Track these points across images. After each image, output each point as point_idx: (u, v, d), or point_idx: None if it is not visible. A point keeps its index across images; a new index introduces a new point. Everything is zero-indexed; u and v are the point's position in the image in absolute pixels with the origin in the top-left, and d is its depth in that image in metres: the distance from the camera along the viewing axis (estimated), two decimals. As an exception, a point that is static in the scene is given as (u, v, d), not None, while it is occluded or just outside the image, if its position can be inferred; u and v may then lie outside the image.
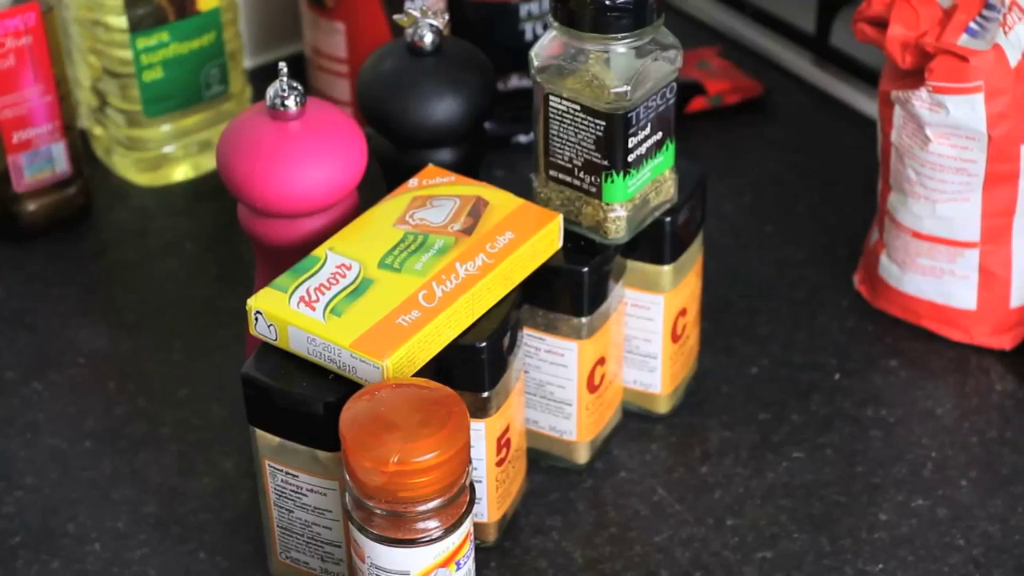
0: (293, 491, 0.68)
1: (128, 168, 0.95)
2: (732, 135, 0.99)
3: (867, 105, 0.99)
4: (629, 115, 0.68)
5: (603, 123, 0.68)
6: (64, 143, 0.89)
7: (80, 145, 0.91)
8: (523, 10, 0.95)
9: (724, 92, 1.00)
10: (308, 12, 0.97)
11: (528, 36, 0.95)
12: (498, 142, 0.95)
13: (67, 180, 0.90)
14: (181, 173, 0.95)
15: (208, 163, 0.96)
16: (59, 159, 0.90)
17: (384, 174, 0.77)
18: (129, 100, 0.91)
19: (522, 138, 0.96)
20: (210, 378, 0.82)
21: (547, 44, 0.69)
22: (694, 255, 0.77)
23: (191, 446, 0.79)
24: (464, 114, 0.75)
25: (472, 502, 0.64)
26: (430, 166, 0.73)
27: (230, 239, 0.91)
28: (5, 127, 0.87)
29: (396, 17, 0.75)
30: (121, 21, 0.89)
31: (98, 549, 0.74)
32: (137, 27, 0.89)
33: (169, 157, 0.95)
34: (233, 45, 0.93)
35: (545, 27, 0.94)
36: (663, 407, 0.80)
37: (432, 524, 0.62)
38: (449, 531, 0.63)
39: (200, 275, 0.89)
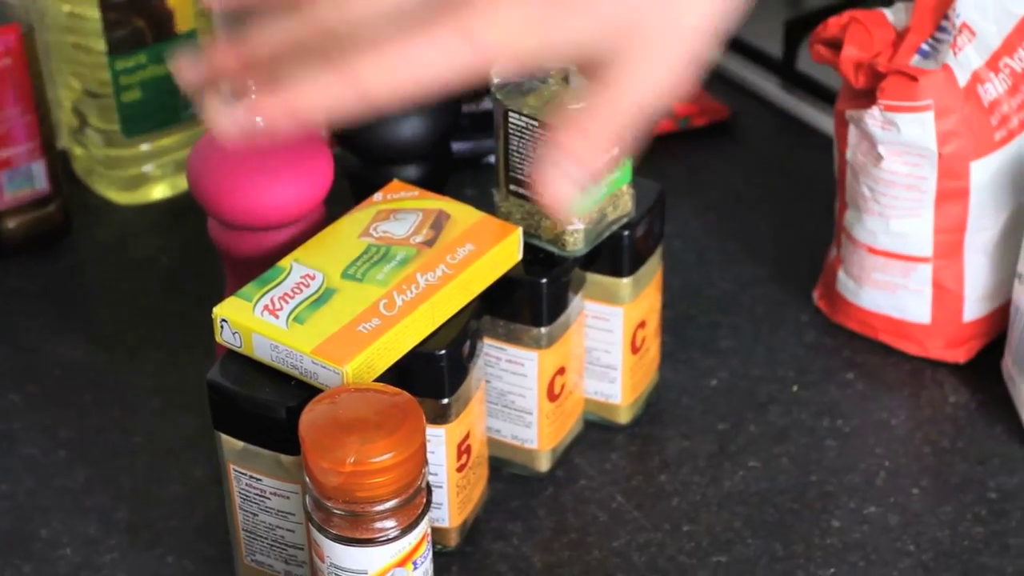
0: (257, 495, 0.70)
1: (107, 187, 0.97)
2: (698, 156, 1.02)
3: (831, 128, 1.01)
4: (584, 130, 0.70)
5: (559, 138, 0.70)
6: (43, 162, 0.91)
7: (59, 164, 0.93)
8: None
9: (692, 115, 1.02)
10: (284, 35, 0.99)
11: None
12: (470, 162, 0.97)
13: (46, 198, 0.93)
14: (159, 192, 0.98)
15: (185, 182, 0.98)
16: (38, 177, 0.92)
17: (352, 190, 0.80)
18: (108, 120, 0.94)
19: (493, 159, 0.98)
20: (182, 390, 0.84)
21: (505, 62, 0.71)
22: (653, 268, 0.79)
23: (162, 455, 0.81)
24: (428, 132, 0.77)
25: (428, 503, 0.66)
26: (395, 181, 0.75)
27: (206, 256, 0.93)
28: (-15, 145, 0.89)
29: (362, 37, 0.77)
30: (100, 43, 0.91)
31: (69, 554, 0.75)
32: (115, 50, 0.91)
33: (147, 176, 0.97)
34: (210, 67, 0.96)
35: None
36: (623, 417, 0.81)
37: (389, 524, 0.64)
38: (406, 531, 0.65)
39: (175, 290, 0.91)
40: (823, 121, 1.02)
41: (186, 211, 0.97)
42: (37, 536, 0.76)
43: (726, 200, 0.98)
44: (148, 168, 0.97)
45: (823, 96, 1.03)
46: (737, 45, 1.08)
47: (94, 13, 0.90)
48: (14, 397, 0.84)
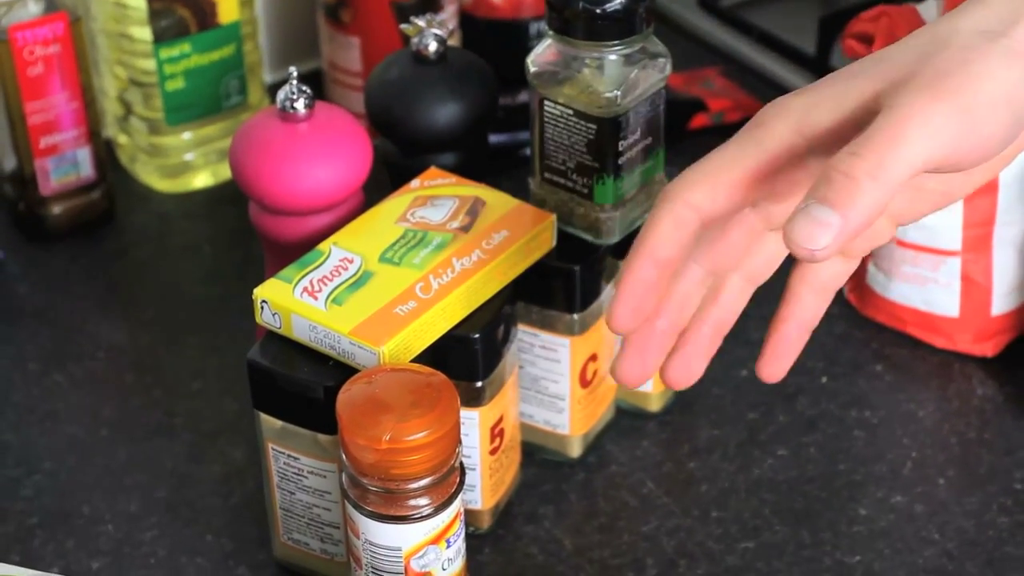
0: (295, 473, 0.71)
1: (150, 175, 0.99)
2: (732, 151, 1.02)
3: (864, 124, 1.02)
4: (619, 119, 0.71)
5: (594, 127, 0.72)
6: (89, 148, 0.93)
7: (104, 151, 0.95)
8: (532, 28, 0.98)
9: (726, 110, 1.04)
10: (325, 27, 1.01)
11: (537, 54, 0.99)
12: (506, 154, 0.98)
13: (91, 184, 0.95)
14: (201, 180, 0.99)
15: (226, 171, 1.00)
16: (84, 164, 0.94)
17: (389, 177, 0.81)
18: (152, 109, 0.96)
19: (528, 151, 1.00)
20: (223, 372, 0.86)
21: (542, 52, 0.73)
22: (685, 258, 0.80)
23: (202, 435, 0.82)
24: (466, 120, 0.78)
25: (462, 483, 0.67)
26: (432, 168, 0.77)
27: (246, 242, 0.95)
28: (33, 132, 0.91)
29: (403, 27, 0.79)
30: (145, 32, 0.93)
31: (111, 530, 0.77)
32: (160, 38, 0.93)
33: (189, 165, 0.99)
34: (252, 58, 0.97)
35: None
36: (655, 405, 0.83)
37: (423, 501, 0.66)
38: (439, 509, 0.66)
39: (216, 275, 0.93)
40: (856, 118, 1.03)
41: (227, 199, 0.99)
42: (79, 512, 0.78)
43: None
44: (190, 156, 0.98)
45: (857, 93, 1.03)
46: (772, 42, 1.09)
47: (140, 3, 0.92)
48: (58, 377, 0.86)
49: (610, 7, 0.70)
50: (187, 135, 0.98)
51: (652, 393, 0.82)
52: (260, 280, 0.87)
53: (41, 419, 0.83)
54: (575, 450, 0.80)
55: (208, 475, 0.80)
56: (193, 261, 0.95)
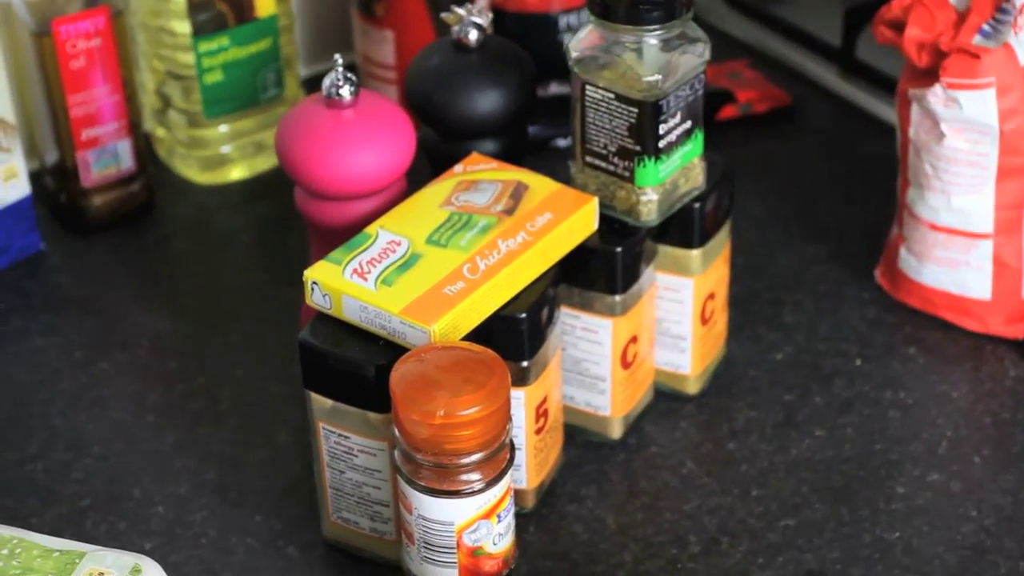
0: (345, 452, 0.73)
1: (188, 167, 1.00)
2: (760, 141, 1.04)
3: (891, 114, 1.03)
4: (660, 103, 0.73)
5: (636, 110, 0.73)
6: (129, 141, 0.95)
7: (144, 144, 0.97)
8: (562, 21, 1.00)
9: (753, 100, 1.05)
10: (359, 22, 1.02)
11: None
12: (538, 145, 1.00)
13: (131, 176, 0.96)
14: (237, 173, 1.01)
15: (262, 164, 1.01)
16: (124, 156, 0.95)
17: (430, 164, 0.83)
18: (191, 101, 0.97)
19: (561, 142, 1.01)
20: (265, 359, 0.87)
21: (584, 37, 0.74)
22: (722, 242, 0.82)
23: (248, 420, 0.84)
24: (506, 107, 0.80)
25: (512, 459, 0.68)
26: (474, 154, 0.78)
27: (283, 233, 0.96)
28: (75, 124, 0.93)
29: (443, 15, 0.80)
30: (184, 26, 0.94)
31: (162, 511, 0.79)
32: (199, 32, 0.95)
33: (226, 157, 1.00)
34: (288, 50, 0.99)
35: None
36: (692, 387, 0.84)
37: (475, 476, 0.67)
38: (490, 484, 0.67)
39: (255, 266, 0.95)
40: (880, 108, 1.05)
41: (263, 191, 1.00)
42: (130, 495, 0.79)
43: (787, 182, 1.01)
44: (226, 149, 1.00)
45: (881, 83, 1.05)
46: (797, 35, 1.10)
47: (179, -3, 0.93)
48: (104, 365, 0.87)
49: (652, -8, 0.71)
50: (224, 128, 0.99)
51: (690, 375, 0.84)
52: (300, 268, 0.88)
53: (89, 405, 0.85)
54: (616, 431, 0.81)
55: (254, 458, 0.81)
56: (232, 251, 0.96)
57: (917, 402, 0.84)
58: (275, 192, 1.00)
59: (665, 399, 0.84)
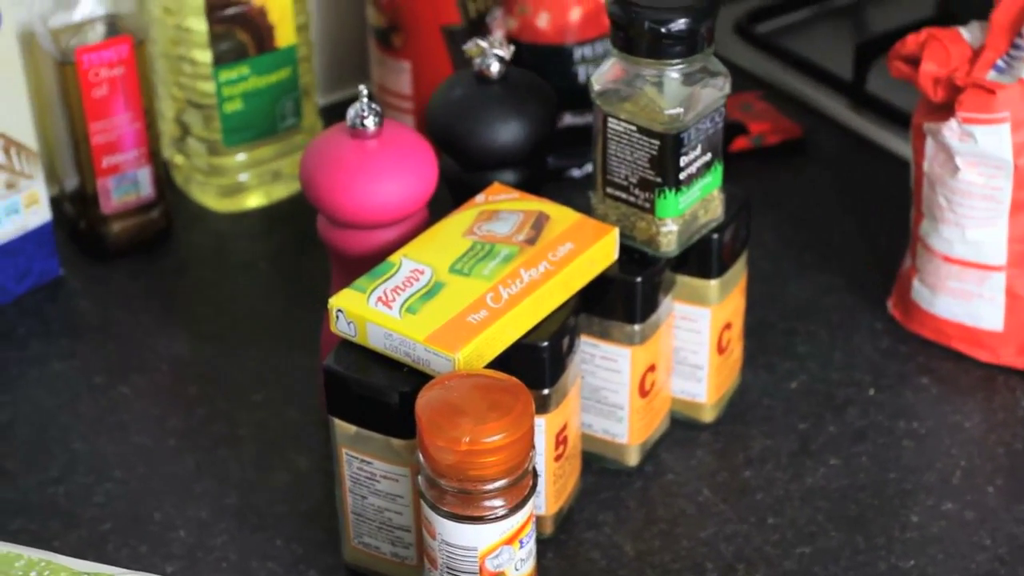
0: (367, 478, 0.73)
1: (205, 195, 1.01)
2: (772, 173, 1.05)
3: (901, 147, 1.05)
4: (681, 135, 0.74)
5: (657, 142, 0.74)
6: (149, 168, 0.96)
7: (163, 171, 0.98)
8: (577, 52, 1.01)
9: (765, 133, 1.06)
10: (376, 52, 1.04)
11: (581, 77, 1.01)
12: (553, 175, 1.01)
13: (151, 203, 0.97)
14: (254, 200, 1.02)
15: (279, 192, 1.02)
16: (144, 183, 0.96)
17: (451, 194, 0.84)
18: (211, 130, 0.98)
19: (575, 172, 1.03)
20: (284, 384, 0.88)
21: (606, 71, 0.75)
22: (739, 272, 0.83)
23: (267, 444, 0.84)
24: (527, 137, 0.81)
25: (535, 486, 0.69)
26: (496, 183, 0.79)
27: (301, 261, 0.97)
28: (96, 151, 0.94)
29: (466, 47, 0.81)
30: (206, 55, 0.95)
31: (183, 535, 0.79)
32: (220, 61, 0.96)
33: (243, 185, 1.01)
34: (306, 80, 1.00)
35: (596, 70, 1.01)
36: (708, 416, 0.85)
37: (498, 503, 0.68)
38: (513, 510, 0.68)
39: (273, 293, 0.95)
40: (892, 140, 1.06)
41: (280, 219, 1.01)
42: (151, 519, 0.80)
43: (800, 214, 1.02)
44: (244, 177, 1.01)
45: (892, 117, 1.06)
46: (809, 68, 1.11)
47: (201, 26, 0.94)
48: (124, 389, 0.88)
49: (674, 26, 0.72)
50: (241, 156, 1.00)
51: (706, 404, 0.84)
52: (318, 295, 0.90)
53: (110, 429, 0.85)
54: (633, 459, 0.82)
55: (275, 483, 0.82)
56: (250, 278, 0.97)
57: (930, 432, 0.85)
58: (292, 220, 1.01)
59: (681, 427, 0.85)
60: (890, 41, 1.07)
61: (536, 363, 0.73)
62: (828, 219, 1.01)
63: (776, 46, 1.14)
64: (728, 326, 0.83)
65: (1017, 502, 0.80)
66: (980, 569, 0.77)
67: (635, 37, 0.73)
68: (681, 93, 0.74)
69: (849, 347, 0.91)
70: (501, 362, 0.72)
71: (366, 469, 0.73)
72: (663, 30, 0.73)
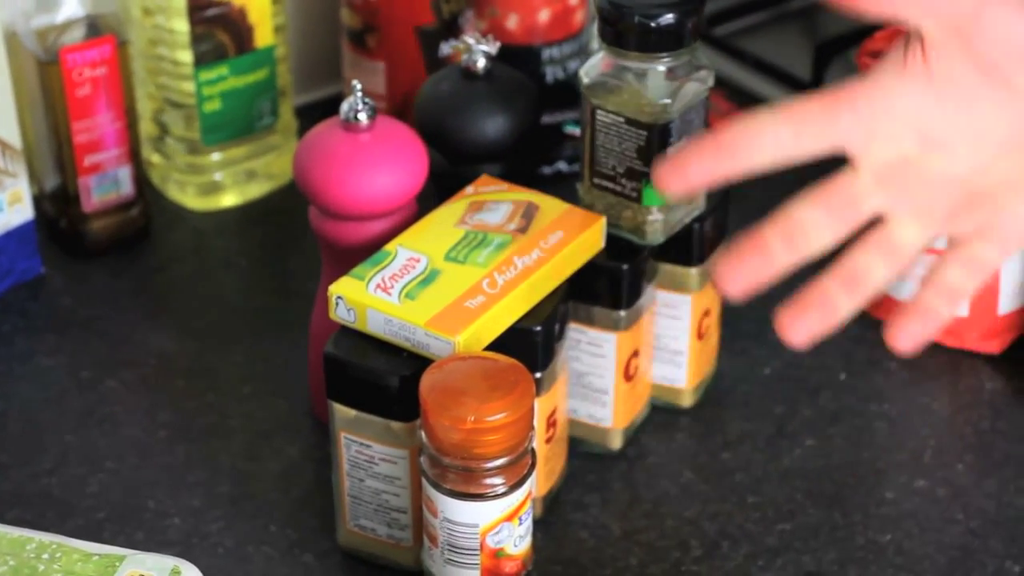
0: (366, 460, 0.75)
1: (183, 194, 1.03)
2: (737, 169, 1.08)
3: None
4: (669, 126, 0.77)
5: (645, 133, 0.77)
6: (129, 167, 0.97)
7: (142, 170, 0.99)
8: (545, 53, 1.03)
9: (728, 131, 1.09)
10: (349, 52, 1.05)
11: (549, 78, 1.04)
12: (524, 174, 1.03)
13: (130, 202, 0.98)
14: (229, 199, 1.03)
15: (253, 191, 1.04)
16: (124, 182, 0.97)
17: (435, 187, 0.86)
18: (191, 129, 1.00)
19: (546, 169, 1.05)
20: (271, 376, 0.90)
21: (595, 64, 0.78)
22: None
23: (257, 435, 0.86)
24: (513, 130, 0.83)
25: (534, 464, 0.71)
26: (484, 175, 0.81)
27: (281, 256, 0.99)
28: (78, 151, 0.95)
29: (452, 44, 0.84)
30: (187, 55, 0.97)
31: (178, 523, 0.81)
32: (200, 61, 0.97)
33: (219, 184, 1.02)
34: (283, 80, 1.02)
35: (564, 71, 1.03)
36: (687, 401, 0.88)
37: (498, 480, 0.70)
38: (513, 488, 0.70)
39: (255, 288, 0.97)
40: (849, 138, 1.09)
41: (257, 217, 1.03)
42: (146, 507, 0.81)
43: (766, 207, 1.04)
44: (219, 176, 1.02)
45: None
46: (768, 68, 1.15)
47: (182, 26, 0.96)
48: (112, 383, 0.89)
49: (663, 21, 0.75)
50: (216, 155, 1.01)
51: (685, 389, 0.87)
52: (301, 288, 0.92)
53: (99, 422, 0.87)
54: (616, 442, 0.85)
55: (266, 471, 0.84)
56: (231, 273, 0.98)
57: (901, 413, 0.88)
58: (271, 217, 1.03)
59: (661, 412, 0.88)
60: (847, 42, 1.11)
61: (530, 347, 0.75)
62: (792, 213, 1.04)
63: (734, 47, 1.17)
64: (707, 313, 0.86)
65: (986, 478, 0.84)
66: (954, 542, 0.80)
67: (625, 31, 0.76)
68: (668, 85, 0.77)
69: (819, 335, 0.93)
70: (496, 346, 0.75)
71: (365, 452, 0.75)
72: (653, 24, 0.75)
